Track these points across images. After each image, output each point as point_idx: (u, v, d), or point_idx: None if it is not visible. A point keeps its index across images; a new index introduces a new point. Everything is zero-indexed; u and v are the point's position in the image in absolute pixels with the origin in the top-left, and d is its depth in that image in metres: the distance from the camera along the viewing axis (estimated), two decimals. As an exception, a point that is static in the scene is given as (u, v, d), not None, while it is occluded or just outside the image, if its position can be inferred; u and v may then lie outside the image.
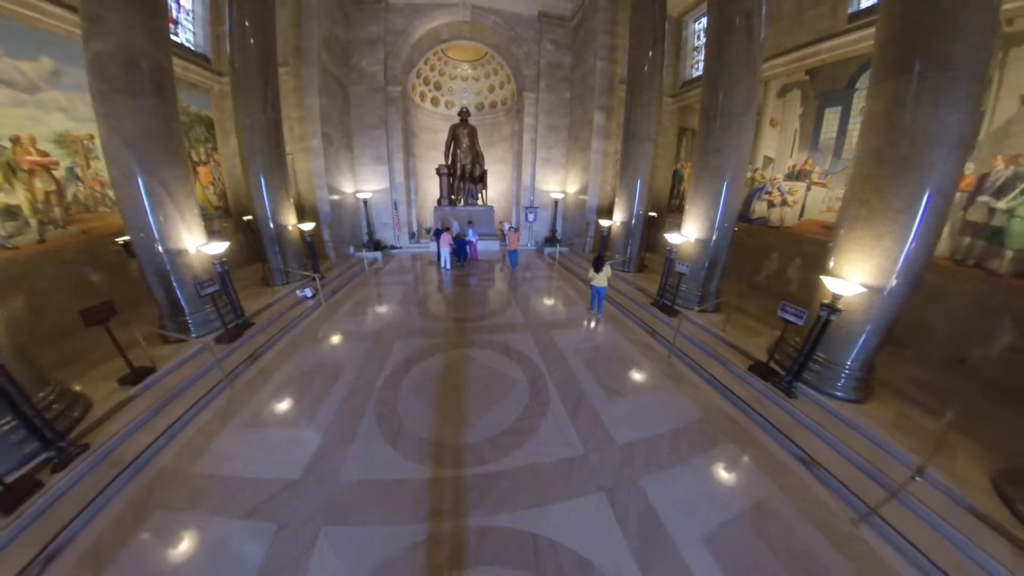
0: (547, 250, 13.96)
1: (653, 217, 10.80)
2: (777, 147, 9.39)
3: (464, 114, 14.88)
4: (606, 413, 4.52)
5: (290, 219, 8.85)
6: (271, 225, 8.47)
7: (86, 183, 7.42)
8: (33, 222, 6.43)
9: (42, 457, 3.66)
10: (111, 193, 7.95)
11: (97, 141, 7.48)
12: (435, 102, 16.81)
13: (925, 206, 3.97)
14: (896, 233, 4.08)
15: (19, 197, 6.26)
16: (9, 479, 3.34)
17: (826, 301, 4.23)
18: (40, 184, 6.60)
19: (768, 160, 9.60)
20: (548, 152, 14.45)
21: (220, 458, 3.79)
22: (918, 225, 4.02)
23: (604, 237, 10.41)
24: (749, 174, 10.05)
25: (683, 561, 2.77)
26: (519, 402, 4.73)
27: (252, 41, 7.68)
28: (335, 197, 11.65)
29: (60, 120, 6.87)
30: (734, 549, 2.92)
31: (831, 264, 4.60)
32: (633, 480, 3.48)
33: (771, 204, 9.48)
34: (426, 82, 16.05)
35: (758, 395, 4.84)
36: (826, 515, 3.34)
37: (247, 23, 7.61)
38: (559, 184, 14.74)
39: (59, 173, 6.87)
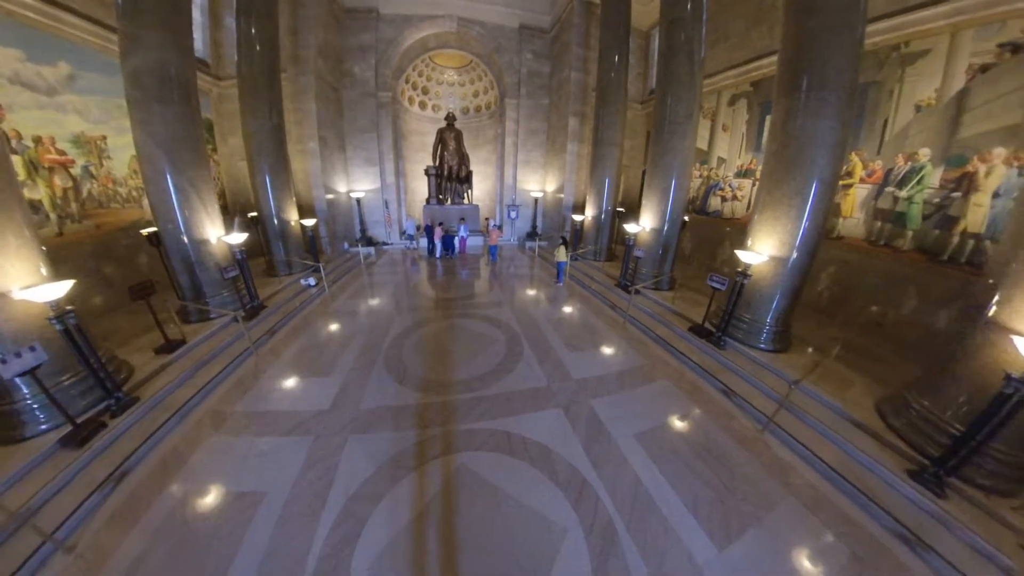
0: (528, 244, 15.12)
1: (622, 212, 11.97)
2: (728, 149, 10.67)
3: (450, 119, 15.80)
4: (568, 360, 5.65)
5: (292, 215, 9.64)
6: (275, 221, 9.26)
7: (99, 180, 8.02)
8: (53, 216, 7.04)
9: (102, 405, 4.44)
10: (121, 190, 8.63)
11: (109, 141, 8.18)
12: (423, 106, 17.67)
13: (813, 193, 5.13)
14: (792, 214, 5.24)
15: (40, 192, 6.88)
16: (79, 420, 4.13)
17: (740, 269, 5.36)
18: (59, 181, 7.21)
19: (721, 160, 10.87)
20: (528, 154, 15.54)
21: (257, 401, 4.67)
22: (809, 208, 5.18)
23: (577, 230, 11.55)
24: (706, 173, 11.33)
25: (617, 447, 3.85)
26: (499, 354, 5.83)
27: (258, 52, 8.49)
28: (330, 196, 12.43)
29: (76, 122, 7.47)
30: (658, 442, 4.00)
31: (749, 242, 5.75)
32: (584, 400, 4.59)
33: (724, 199, 10.75)
34: (414, 87, 16.90)
35: (694, 348, 5.97)
36: (737, 426, 4.44)
37: (254, 34, 8.41)
38: (539, 183, 15.85)
39: (75, 171, 7.47)
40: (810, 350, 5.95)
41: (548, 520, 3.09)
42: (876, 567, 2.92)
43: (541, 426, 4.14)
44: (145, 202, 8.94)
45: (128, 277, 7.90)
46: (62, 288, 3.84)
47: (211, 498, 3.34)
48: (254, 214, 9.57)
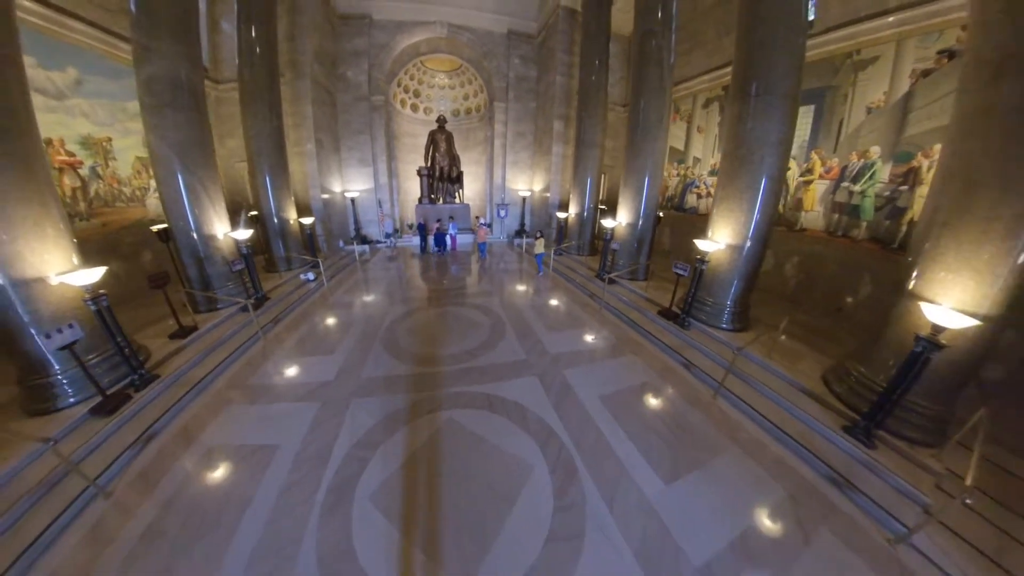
0: (516, 241, 15.78)
1: (604, 209, 12.60)
2: (703, 149, 11.36)
3: (441, 121, 16.35)
4: (546, 339, 6.32)
5: (291, 214, 10.15)
6: (275, 220, 9.75)
7: (105, 180, 8.46)
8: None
9: (126, 380, 4.93)
10: (126, 190, 9.07)
11: (114, 143, 8.62)
12: (415, 108, 18.18)
13: (763, 188, 5.77)
14: (745, 207, 5.87)
15: (52, 192, 7.29)
16: (108, 392, 4.63)
17: (699, 256, 5.99)
18: (68, 181, 7.65)
19: (696, 160, 11.57)
20: (516, 155, 16.17)
21: (268, 376, 5.21)
22: (760, 200, 5.81)
23: (561, 227, 12.20)
24: (683, 171, 12.02)
25: (583, 405, 4.49)
26: (484, 334, 6.51)
27: (258, 59, 8.98)
28: (326, 196, 12.92)
29: (83, 124, 7.89)
30: (620, 403, 4.63)
31: (709, 232, 6.38)
32: (558, 370, 5.25)
33: (699, 196, 11.44)
34: (406, 90, 17.41)
35: (662, 329, 6.61)
36: (693, 392, 5.05)
37: (255, 42, 8.91)
38: (527, 183, 16.50)
39: (83, 172, 7.90)
40: (782, 337, 6.46)
41: (520, 459, 3.69)
42: (807, 503, 3.45)
43: (518, 390, 4.78)
44: (148, 201, 9.43)
45: (132, 273, 8.35)
46: (97, 273, 4.34)
47: (231, 451, 3.87)
48: (254, 212, 10.05)
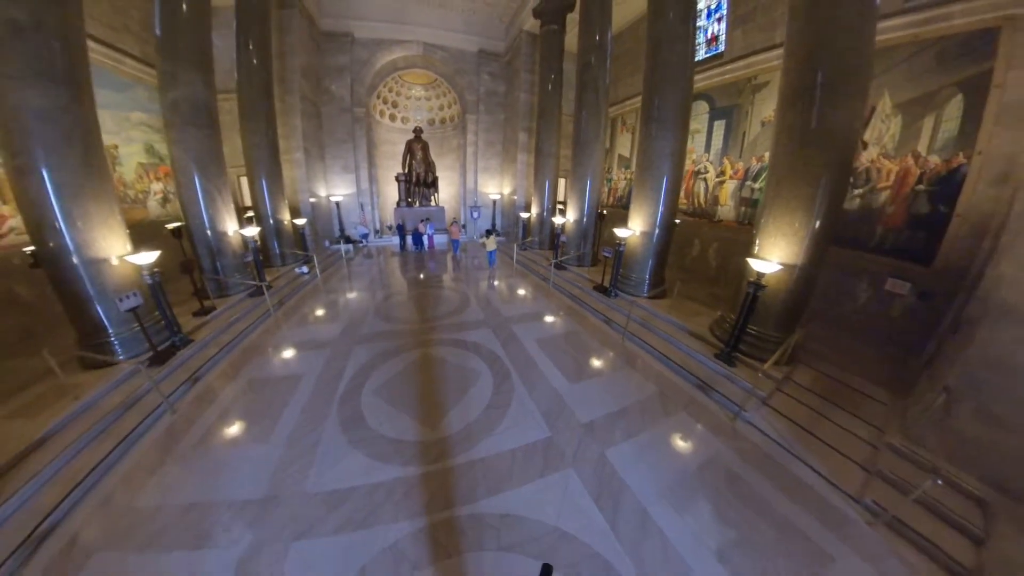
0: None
1: (563, 209, 14.43)
2: (643, 157, 13.36)
3: (418, 131, 17.85)
4: (501, 308, 8.11)
5: (285, 216, 11.45)
6: (271, 221, 11.04)
7: (113, 184, 9.52)
8: (76, 217, 8.55)
9: (169, 341, 6.23)
10: (130, 193, 10.14)
11: (120, 150, 9.72)
12: (393, 118, 19.56)
13: (664, 188, 7.64)
14: (652, 203, 7.73)
15: (68, 196, 8.39)
16: (159, 348, 5.92)
17: (618, 242, 7.83)
18: (83, 186, 8.73)
19: (638, 166, 13.57)
20: (487, 162, 17.88)
21: (283, 340, 6.65)
22: (662, 198, 7.67)
23: (525, 225, 13.94)
24: (628, 176, 14.00)
25: (522, 344, 6.26)
26: (455, 305, 8.25)
27: (256, 79, 10.30)
28: (313, 200, 14.19)
29: (95, 133, 9.02)
30: (550, 343, 6.42)
31: (629, 223, 8.23)
32: (507, 326, 7.03)
33: (641, 197, 13.43)
34: (385, 102, 18.80)
35: (594, 299, 8.43)
36: (608, 337, 6.82)
37: (253, 62, 10.23)
38: (497, 187, 18.23)
39: (93, 178, 9.00)
40: (661, 286, 8.28)
41: (473, 370, 5.44)
42: (673, 397, 5.04)
43: (477, 336, 6.57)
44: (149, 203, 10.52)
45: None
46: (153, 256, 5.67)
47: (266, 381, 5.32)
48: (250, 214, 11.29)
